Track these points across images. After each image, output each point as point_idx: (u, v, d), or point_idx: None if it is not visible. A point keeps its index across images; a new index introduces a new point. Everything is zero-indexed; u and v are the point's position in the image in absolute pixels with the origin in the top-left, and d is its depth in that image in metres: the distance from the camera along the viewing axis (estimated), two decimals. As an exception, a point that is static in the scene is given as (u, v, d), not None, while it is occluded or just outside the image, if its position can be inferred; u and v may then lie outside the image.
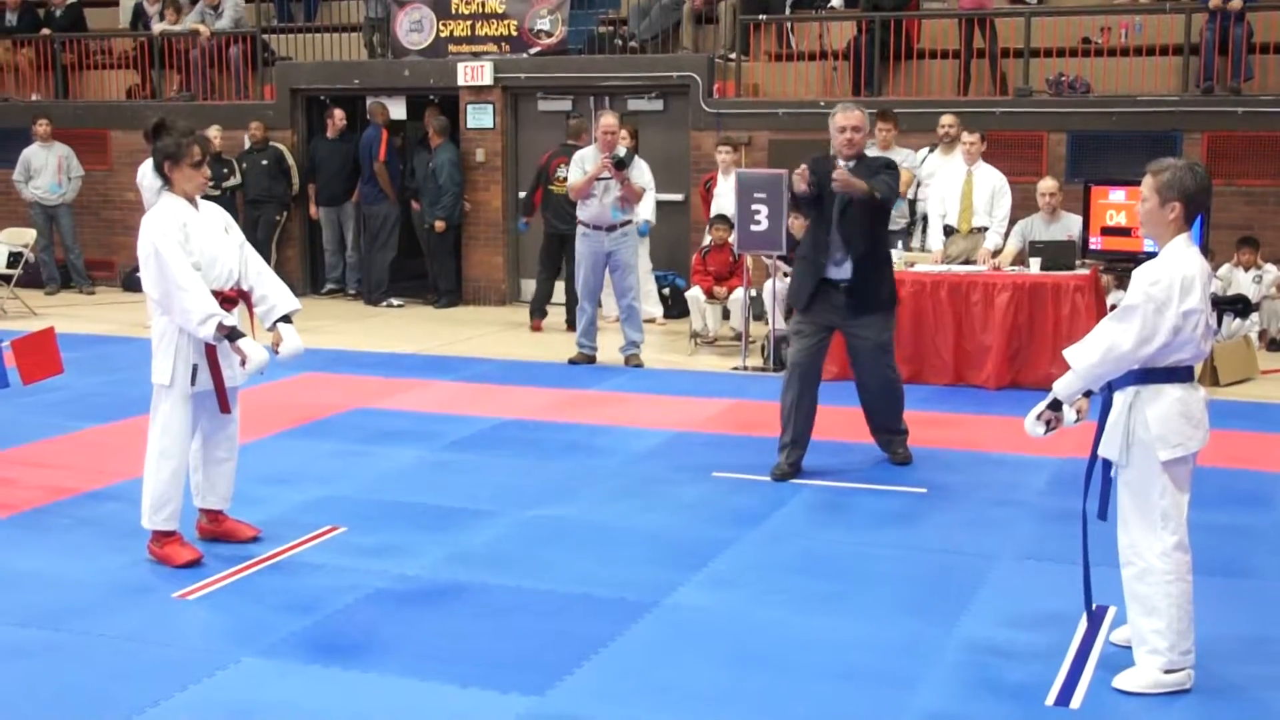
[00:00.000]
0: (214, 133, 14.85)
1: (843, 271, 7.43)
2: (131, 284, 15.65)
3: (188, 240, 5.67)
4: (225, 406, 5.80)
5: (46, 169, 15.66)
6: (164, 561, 5.86)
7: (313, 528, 6.55)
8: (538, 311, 12.92)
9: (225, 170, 14.93)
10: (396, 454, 7.71)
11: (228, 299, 5.76)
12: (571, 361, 11.30)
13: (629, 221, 11.01)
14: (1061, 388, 4.58)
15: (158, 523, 5.84)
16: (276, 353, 5.75)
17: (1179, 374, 4.41)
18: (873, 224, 7.42)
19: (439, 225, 14.30)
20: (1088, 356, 4.43)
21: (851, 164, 7.33)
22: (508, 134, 15.02)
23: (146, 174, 12.53)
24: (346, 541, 6.28)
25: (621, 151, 10.88)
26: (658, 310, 13.30)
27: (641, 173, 11.19)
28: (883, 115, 11.60)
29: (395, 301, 14.68)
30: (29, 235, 15.02)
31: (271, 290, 5.86)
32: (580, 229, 11.13)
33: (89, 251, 16.45)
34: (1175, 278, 4.34)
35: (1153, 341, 4.34)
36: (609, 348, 11.47)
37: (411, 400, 9.62)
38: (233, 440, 6.08)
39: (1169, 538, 4.44)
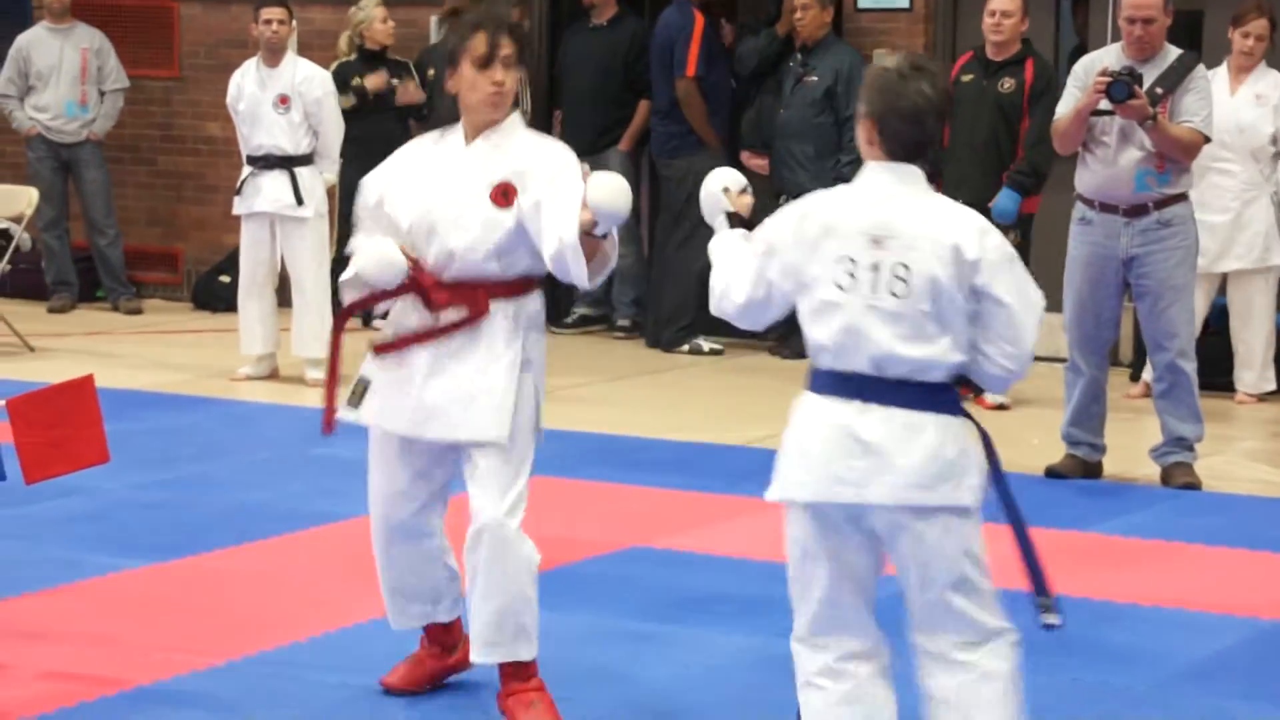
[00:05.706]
0: (370, 9, 14.36)
1: None
2: (211, 295, 15.56)
3: (398, 199, 6.26)
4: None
5: (60, 73, 15.00)
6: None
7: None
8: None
9: (395, 81, 14.50)
10: (713, 641, 7.42)
11: (441, 290, 6.24)
12: (1051, 472, 10.50)
13: (1176, 198, 9.96)
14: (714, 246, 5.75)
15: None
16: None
17: (818, 380, 5.31)
18: None
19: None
20: (719, 270, 5.51)
21: None
22: (938, 19, 13.68)
23: (246, 84, 12.50)
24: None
25: (1168, 55, 10.04)
26: (1260, 379, 12.53)
27: (1200, 101, 10.15)
28: None
29: (706, 345, 14.14)
30: (22, 199, 14.40)
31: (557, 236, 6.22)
32: (1078, 210, 10.43)
33: (133, 234, 15.88)
34: (793, 216, 5.36)
35: (748, 295, 5.40)
36: (1130, 446, 10.74)
37: (738, 536, 9.25)
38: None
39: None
